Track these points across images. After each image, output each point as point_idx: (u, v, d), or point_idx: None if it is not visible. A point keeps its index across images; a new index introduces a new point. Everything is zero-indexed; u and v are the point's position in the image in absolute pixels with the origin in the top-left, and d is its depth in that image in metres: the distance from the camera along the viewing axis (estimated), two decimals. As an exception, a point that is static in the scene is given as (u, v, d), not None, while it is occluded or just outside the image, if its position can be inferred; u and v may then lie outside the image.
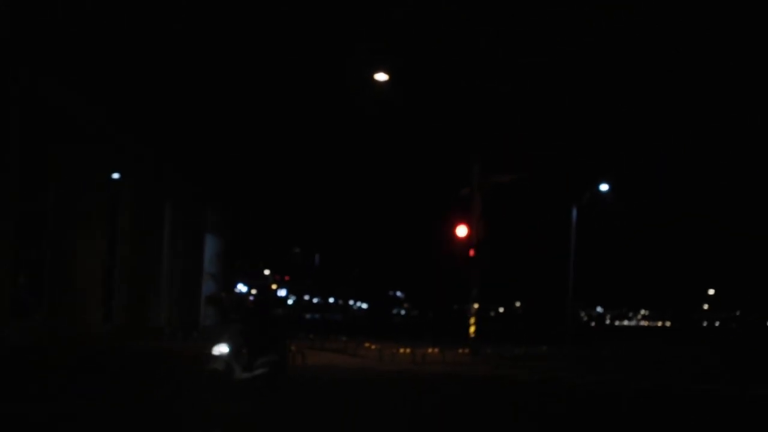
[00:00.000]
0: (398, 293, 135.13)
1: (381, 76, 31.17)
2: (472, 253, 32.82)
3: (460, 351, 31.21)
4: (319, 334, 39.37)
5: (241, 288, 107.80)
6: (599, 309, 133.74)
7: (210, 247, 49.41)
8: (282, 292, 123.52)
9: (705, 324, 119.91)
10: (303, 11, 32.69)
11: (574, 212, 45.56)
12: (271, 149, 50.20)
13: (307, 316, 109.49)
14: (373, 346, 29.05)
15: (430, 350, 29.85)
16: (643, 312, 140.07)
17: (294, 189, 69.04)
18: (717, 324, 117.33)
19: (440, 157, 43.14)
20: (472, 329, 33.04)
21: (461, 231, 32.91)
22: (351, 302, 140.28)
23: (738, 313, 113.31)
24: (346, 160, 55.03)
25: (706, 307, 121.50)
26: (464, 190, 33.62)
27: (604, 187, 45.64)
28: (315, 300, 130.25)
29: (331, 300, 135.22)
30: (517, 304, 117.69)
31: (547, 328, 61.19)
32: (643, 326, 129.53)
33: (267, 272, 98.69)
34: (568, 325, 45.22)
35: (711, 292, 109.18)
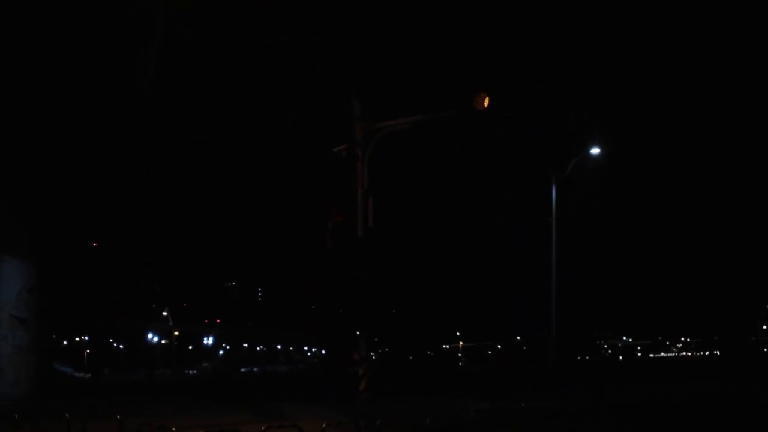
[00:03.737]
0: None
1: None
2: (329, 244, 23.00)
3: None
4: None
5: (153, 338, 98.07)
6: (628, 339, 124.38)
7: (13, 278, 39.40)
8: (209, 340, 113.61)
9: (766, 350, 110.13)
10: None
11: (554, 190, 36.15)
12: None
13: (242, 369, 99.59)
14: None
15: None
16: (683, 340, 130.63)
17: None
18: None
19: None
20: (362, 384, 23.08)
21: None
22: (306, 348, 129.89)
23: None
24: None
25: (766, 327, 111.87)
26: (339, 148, 23.71)
27: (594, 150, 36.39)
28: (258, 348, 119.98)
29: (279, 347, 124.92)
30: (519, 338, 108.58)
31: (540, 368, 51.36)
32: (685, 357, 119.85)
33: (165, 313, 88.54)
34: (549, 362, 35.62)
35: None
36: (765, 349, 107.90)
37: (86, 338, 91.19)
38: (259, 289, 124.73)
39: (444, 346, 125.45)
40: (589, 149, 35.97)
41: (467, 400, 30.00)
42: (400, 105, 24.93)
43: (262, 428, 19.14)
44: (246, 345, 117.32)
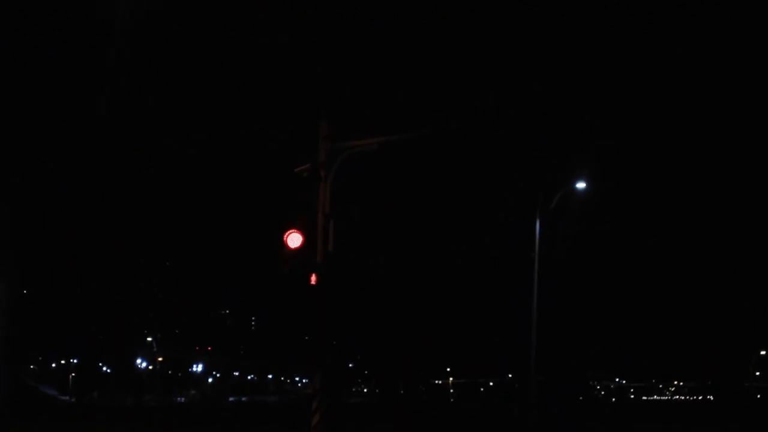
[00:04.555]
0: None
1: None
2: (313, 279, 21.51)
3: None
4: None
5: (141, 363, 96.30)
6: (621, 381, 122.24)
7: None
8: (198, 367, 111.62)
9: (759, 396, 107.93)
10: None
11: (538, 224, 34.64)
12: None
13: (231, 398, 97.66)
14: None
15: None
16: (677, 383, 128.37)
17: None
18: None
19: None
20: (315, 418, 21.52)
21: (294, 240, 21.49)
22: (297, 378, 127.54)
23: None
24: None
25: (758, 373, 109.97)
26: (302, 168, 22.30)
27: (580, 184, 34.94)
28: (249, 377, 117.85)
29: (270, 377, 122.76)
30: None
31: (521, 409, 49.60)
32: (679, 401, 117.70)
33: (150, 339, 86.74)
34: (532, 403, 34.00)
35: (763, 353, 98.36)
36: (758, 396, 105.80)
37: (74, 361, 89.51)
38: (253, 318, 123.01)
39: (436, 382, 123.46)
40: (575, 183, 34.50)
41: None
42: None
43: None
44: (236, 374, 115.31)
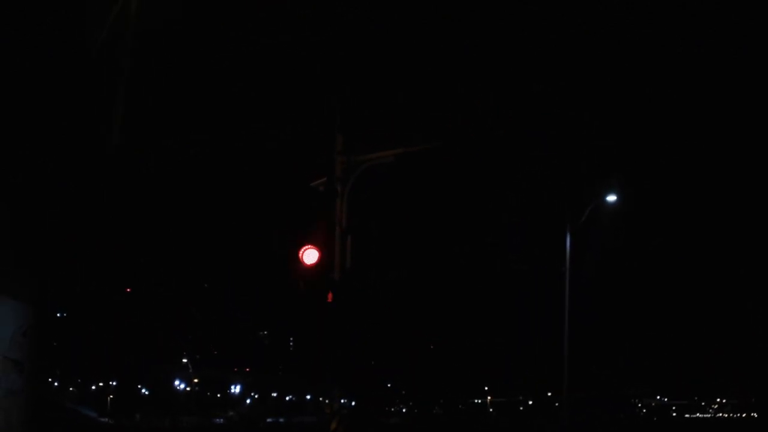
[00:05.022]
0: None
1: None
2: (330, 297, 20.71)
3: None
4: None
5: (179, 385, 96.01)
6: (662, 398, 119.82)
7: (7, 320, 37.45)
8: (236, 388, 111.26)
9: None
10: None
11: (568, 239, 33.66)
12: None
13: (269, 419, 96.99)
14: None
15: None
16: (719, 401, 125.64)
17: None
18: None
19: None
20: (333, 441, 20.67)
21: (310, 256, 20.69)
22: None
23: None
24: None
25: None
26: (319, 182, 21.56)
27: (611, 197, 33.93)
28: (288, 397, 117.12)
29: (309, 397, 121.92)
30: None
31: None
32: (723, 419, 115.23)
33: (185, 361, 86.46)
34: (564, 420, 32.96)
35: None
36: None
37: (113, 383, 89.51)
38: (291, 339, 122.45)
39: (475, 401, 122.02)
40: (606, 195, 33.51)
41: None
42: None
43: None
44: (275, 394, 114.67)
